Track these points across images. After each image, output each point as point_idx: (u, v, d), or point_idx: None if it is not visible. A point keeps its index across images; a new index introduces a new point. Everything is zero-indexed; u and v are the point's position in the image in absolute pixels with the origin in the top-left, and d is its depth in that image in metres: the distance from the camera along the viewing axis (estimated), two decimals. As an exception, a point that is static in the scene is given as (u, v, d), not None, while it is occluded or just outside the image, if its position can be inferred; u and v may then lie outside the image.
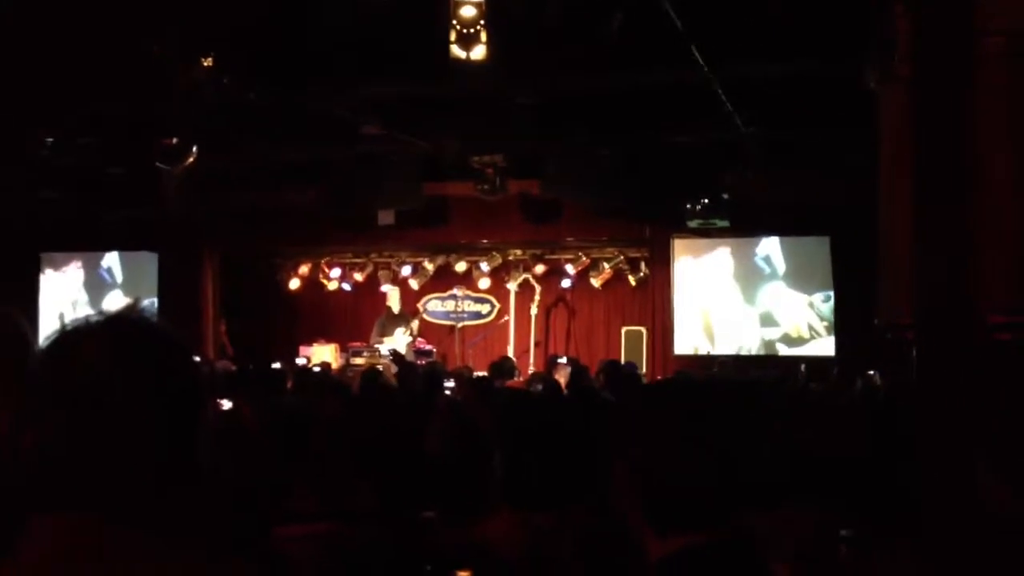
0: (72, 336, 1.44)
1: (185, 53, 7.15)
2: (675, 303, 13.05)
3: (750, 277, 12.88)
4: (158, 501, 1.41)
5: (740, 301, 12.88)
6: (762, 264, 12.84)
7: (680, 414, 1.92)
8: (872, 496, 3.97)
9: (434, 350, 13.69)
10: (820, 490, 3.68)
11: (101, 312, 1.47)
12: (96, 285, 14.65)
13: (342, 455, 3.67)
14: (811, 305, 12.64)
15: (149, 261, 14.20)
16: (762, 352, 12.68)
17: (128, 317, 1.50)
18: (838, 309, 12.42)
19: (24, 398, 2.00)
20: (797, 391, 8.42)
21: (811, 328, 12.64)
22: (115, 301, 14.29)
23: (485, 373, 9.83)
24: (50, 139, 9.51)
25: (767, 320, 12.75)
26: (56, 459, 1.39)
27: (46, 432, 1.40)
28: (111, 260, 14.66)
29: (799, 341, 12.62)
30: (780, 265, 12.78)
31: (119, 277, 14.60)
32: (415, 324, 13.61)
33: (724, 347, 12.75)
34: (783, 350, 12.65)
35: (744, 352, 12.68)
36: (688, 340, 12.98)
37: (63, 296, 14.64)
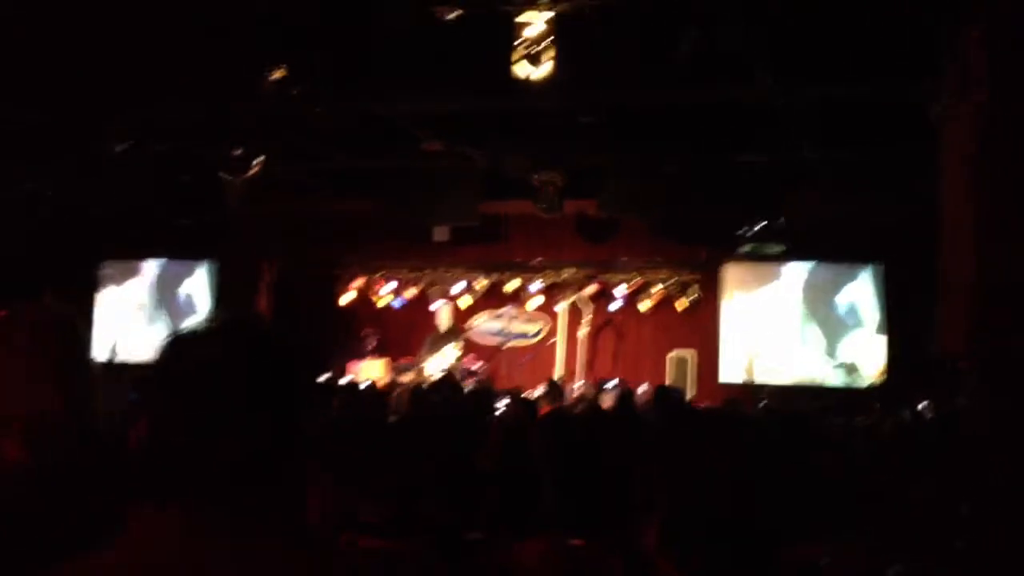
0: (192, 335, 1.56)
1: (256, 65, 7.25)
2: (724, 330, 12.94)
3: (830, 321, 12.67)
4: (252, 493, 1.50)
5: (819, 338, 12.71)
6: (839, 315, 12.65)
7: (707, 446, 1.93)
8: (920, 529, 3.88)
9: (481, 369, 13.68)
10: (867, 524, 3.62)
11: (214, 317, 1.60)
12: (175, 310, 14.61)
13: (390, 472, 3.67)
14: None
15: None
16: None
17: (242, 320, 1.62)
18: (890, 338, 12.23)
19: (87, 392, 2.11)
20: (842, 424, 8.28)
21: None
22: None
23: (532, 393, 9.82)
24: (119, 147, 9.68)
25: (851, 368, 12.51)
26: (164, 451, 1.50)
27: (159, 425, 1.51)
28: (191, 287, 14.67)
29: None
30: (865, 313, 12.56)
31: (198, 306, 14.53)
32: (461, 337, 13.63)
33: (789, 379, 12.53)
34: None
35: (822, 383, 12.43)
36: (738, 368, 12.84)
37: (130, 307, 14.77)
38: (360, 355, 13.74)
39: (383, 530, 2.82)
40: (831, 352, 12.58)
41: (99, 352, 13.55)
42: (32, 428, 2.09)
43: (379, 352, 14.05)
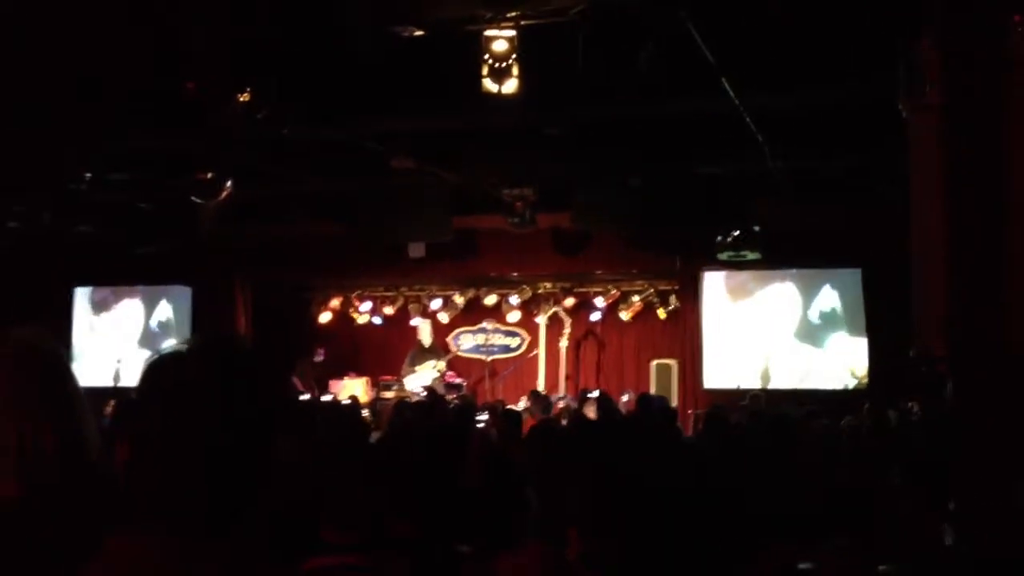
0: (171, 357, 1.55)
1: (221, 89, 7.25)
2: (706, 336, 13.00)
3: (811, 325, 12.78)
4: (232, 519, 1.49)
5: (800, 342, 12.82)
6: (819, 319, 12.76)
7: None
8: (906, 528, 3.92)
9: (464, 383, 13.69)
10: (856, 524, 3.65)
11: (195, 337, 1.59)
12: (154, 335, 14.55)
13: (376, 487, 3.67)
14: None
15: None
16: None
17: (223, 340, 1.61)
18: (871, 340, 12.33)
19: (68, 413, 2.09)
20: (829, 425, 8.34)
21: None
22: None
23: (516, 407, 9.83)
24: (88, 174, 9.64)
25: (835, 371, 12.60)
26: (147, 473, 1.48)
27: (139, 447, 1.49)
28: (164, 311, 14.61)
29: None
30: (846, 316, 12.66)
31: (175, 329, 14.48)
32: (446, 359, 13.65)
33: (785, 384, 12.59)
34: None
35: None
36: (721, 374, 12.90)
37: (118, 338, 14.69)
38: (307, 373, 13.69)
39: (359, 547, 2.84)
40: (813, 355, 12.65)
41: (103, 377, 13.51)
42: (22, 459, 2.06)
43: (328, 366, 14.12)
